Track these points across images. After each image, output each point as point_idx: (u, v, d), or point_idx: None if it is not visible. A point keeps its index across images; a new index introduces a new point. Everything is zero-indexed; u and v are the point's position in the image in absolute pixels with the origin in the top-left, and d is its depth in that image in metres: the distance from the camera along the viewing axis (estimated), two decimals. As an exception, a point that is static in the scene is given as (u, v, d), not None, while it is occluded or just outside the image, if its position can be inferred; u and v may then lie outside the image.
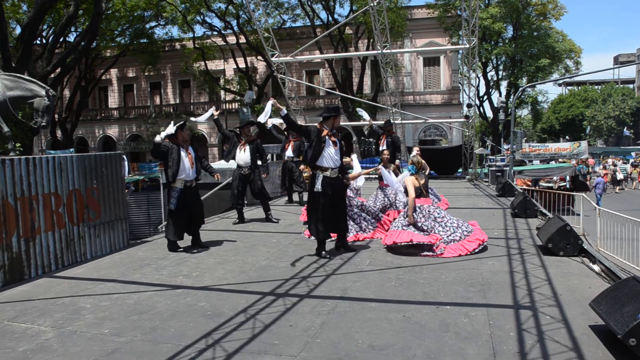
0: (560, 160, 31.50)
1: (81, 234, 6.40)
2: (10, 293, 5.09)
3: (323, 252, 6.22)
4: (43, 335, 3.93)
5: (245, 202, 9.72)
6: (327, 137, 6.19)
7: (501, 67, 35.20)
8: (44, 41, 27.57)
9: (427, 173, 7.07)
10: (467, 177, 18.30)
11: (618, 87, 59.60)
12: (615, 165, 31.63)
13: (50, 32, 27.86)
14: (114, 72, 38.28)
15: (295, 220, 9.03)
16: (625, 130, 51.52)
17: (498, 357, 3.34)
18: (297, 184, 10.84)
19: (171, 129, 6.60)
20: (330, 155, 6.17)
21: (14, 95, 6.39)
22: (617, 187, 29.25)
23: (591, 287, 4.67)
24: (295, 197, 11.39)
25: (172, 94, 38.96)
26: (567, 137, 54.23)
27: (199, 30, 33.74)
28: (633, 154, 40.97)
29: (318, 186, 6.13)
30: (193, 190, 6.88)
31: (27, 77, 6.73)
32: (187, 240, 7.05)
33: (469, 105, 17.97)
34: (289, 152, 10.70)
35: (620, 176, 29.69)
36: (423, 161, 6.86)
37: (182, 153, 6.67)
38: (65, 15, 20.37)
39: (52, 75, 21.67)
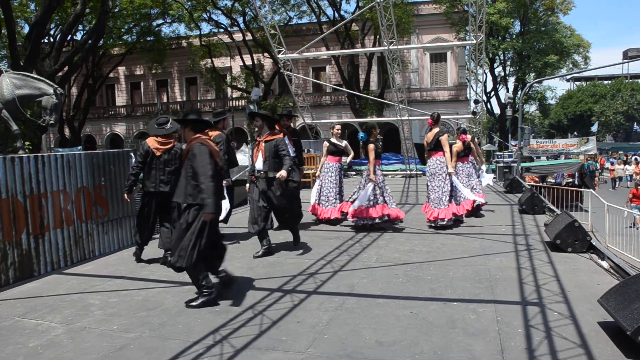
0: (567, 156, 31.24)
1: (90, 231, 6.45)
2: (20, 289, 5.15)
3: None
4: (53, 331, 3.97)
5: None
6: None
7: (508, 63, 34.96)
8: (52, 40, 27.65)
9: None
10: (475, 173, 18.20)
11: (627, 82, 59.00)
12: None
13: (58, 30, 27.93)
14: (121, 70, 38.41)
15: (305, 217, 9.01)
16: (635, 125, 51.02)
17: (506, 353, 3.34)
18: None
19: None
20: None
21: (22, 93, 6.41)
22: None
23: (600, 284, 4.65)
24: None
25: (179, 92, 39.06)
26: (575, 133, 53.83)
27: (206, 27, 33.80)
28: (641, 150, 40.61)
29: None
30: None
31: (35, 76, 6.74)
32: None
33: (476, 102, 17.95)
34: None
35: None
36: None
37: None
38: (72, 14, 20.41)
39: (60, 74, 21.74)
